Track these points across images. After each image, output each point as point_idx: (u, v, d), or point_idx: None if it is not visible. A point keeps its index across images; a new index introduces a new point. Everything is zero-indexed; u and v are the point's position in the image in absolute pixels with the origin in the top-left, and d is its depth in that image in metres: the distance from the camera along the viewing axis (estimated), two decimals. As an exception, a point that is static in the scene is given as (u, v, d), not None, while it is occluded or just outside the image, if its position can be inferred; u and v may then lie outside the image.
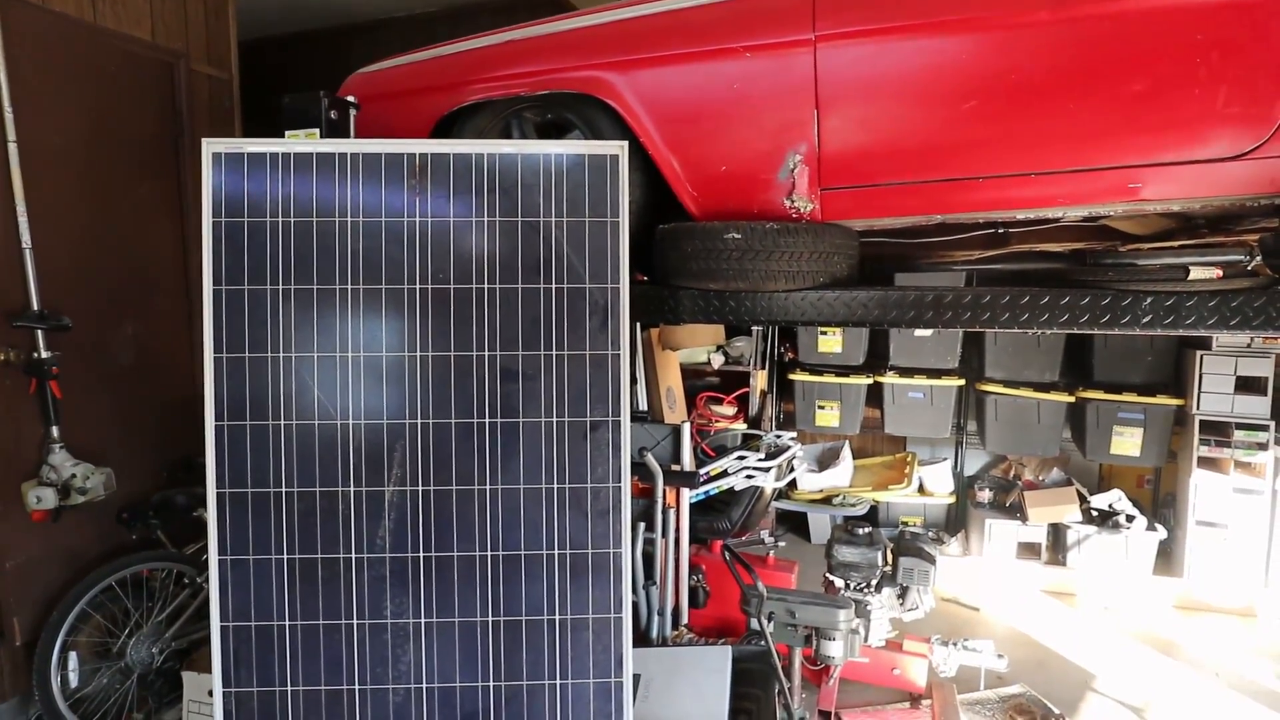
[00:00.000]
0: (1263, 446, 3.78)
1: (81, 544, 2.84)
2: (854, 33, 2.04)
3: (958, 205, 2.12)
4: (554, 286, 1.96)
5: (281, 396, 1.93)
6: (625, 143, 1.95)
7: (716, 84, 2.15)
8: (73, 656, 2.65)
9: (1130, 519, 4.05)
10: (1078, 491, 4.26)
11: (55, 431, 2.66)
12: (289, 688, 1.96)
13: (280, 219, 1.92)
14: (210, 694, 2.60)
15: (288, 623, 1.96)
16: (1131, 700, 3.08)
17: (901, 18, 2.01)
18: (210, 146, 1.93)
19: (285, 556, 1.95)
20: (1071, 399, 4.16)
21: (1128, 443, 4.05)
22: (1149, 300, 1.99)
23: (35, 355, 2.60)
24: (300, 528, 1.95)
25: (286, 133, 2.17)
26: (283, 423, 1.94)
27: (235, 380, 1.92)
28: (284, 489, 1.94)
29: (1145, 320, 1.99)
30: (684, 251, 2.19)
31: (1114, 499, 4.19)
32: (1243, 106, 1.89)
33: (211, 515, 1.93)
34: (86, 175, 2.86)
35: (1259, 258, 2.15)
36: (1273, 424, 3.79)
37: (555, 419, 1.97)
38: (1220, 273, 1.97)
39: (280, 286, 1.92)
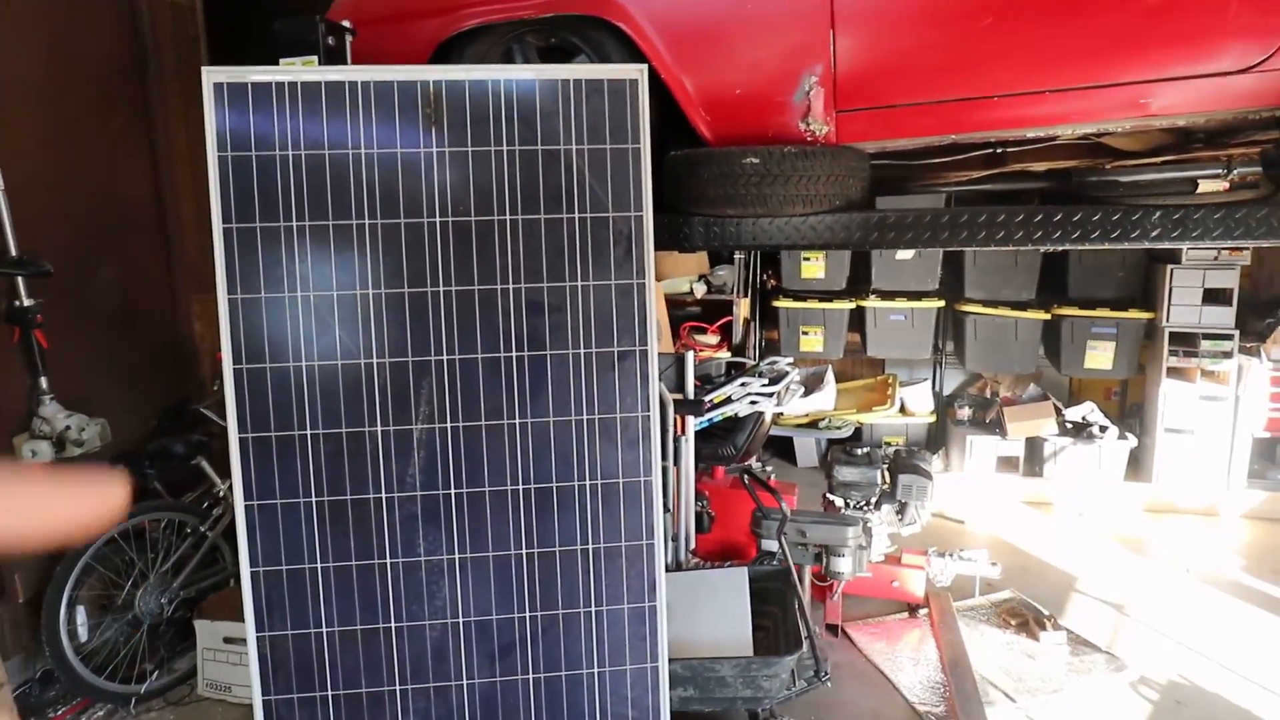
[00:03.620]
0: (1227, 355, 3.97)
1: (79, 498, 2.77)
2: (872, -54, 1.99)
3: (973, 124, 2.12)
4: (577, 216, 1.92)
5: (302, 337, 1.88)
6: (645, 66, 1.89)
7: (730, 3, 2.08)
8: (80, 611, 2.62)
9: (1103, 429, 4.25)
10: (1054, 405, 4.44)
11: (44, 382, 2.56)
12: (324, 629, 1.97)
13: (290, 152, 1.83)
14: (225, 640, 2.64)
15: (319, 565, 1.96)
16: (1111, 598, 3.29)
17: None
18: (210, 76, 1.81)
19: (314, 499, 1.94)
20: (1047, 316, 4.29)
21: (1101, 356, 4.21)
22: (1158, 214, 2.04)
23: (16, 303, 2.47)
24: (328, 469, 1.93)
25: (281, 60, 2.05)
26: (304, 364, 1.89)
27: (252, 322, 1.86)
28: (309, 431, 1.91)
29: (1154, 234, 2.05)
30: (699, 177, 2.16)
31: (1087, 411, 4.38)
32: (1253, 19, 1.91)
33: (235, 461, 1.90)
34: (53, 112, 2.68)
35: (1246, 169, 2.20)
36: (1237, 333, 3.97)
37: (583, 350, 1.96)
38: (1228, 185, 2.03)
39: (294, 223, 1.85)
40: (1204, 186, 2.00)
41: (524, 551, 2.01)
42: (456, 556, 2.00)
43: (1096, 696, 2.63)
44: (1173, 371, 4.11)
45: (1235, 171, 2.16)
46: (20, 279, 2.46)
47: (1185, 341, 4.06)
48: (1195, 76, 1.99)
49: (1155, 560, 3.64)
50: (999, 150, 2.78)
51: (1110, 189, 2.19)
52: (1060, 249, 2.20)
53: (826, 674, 2.40)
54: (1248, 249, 3.97)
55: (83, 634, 2.65)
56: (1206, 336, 4.01)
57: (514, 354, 1.94)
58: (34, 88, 2.60)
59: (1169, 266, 4.03)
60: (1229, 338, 3.97)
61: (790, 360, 3.49)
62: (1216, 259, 4.01)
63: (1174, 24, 1.96)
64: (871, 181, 2.91)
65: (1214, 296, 4.02)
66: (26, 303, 2.47)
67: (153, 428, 3.06)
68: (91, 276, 2.82)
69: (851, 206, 2.22)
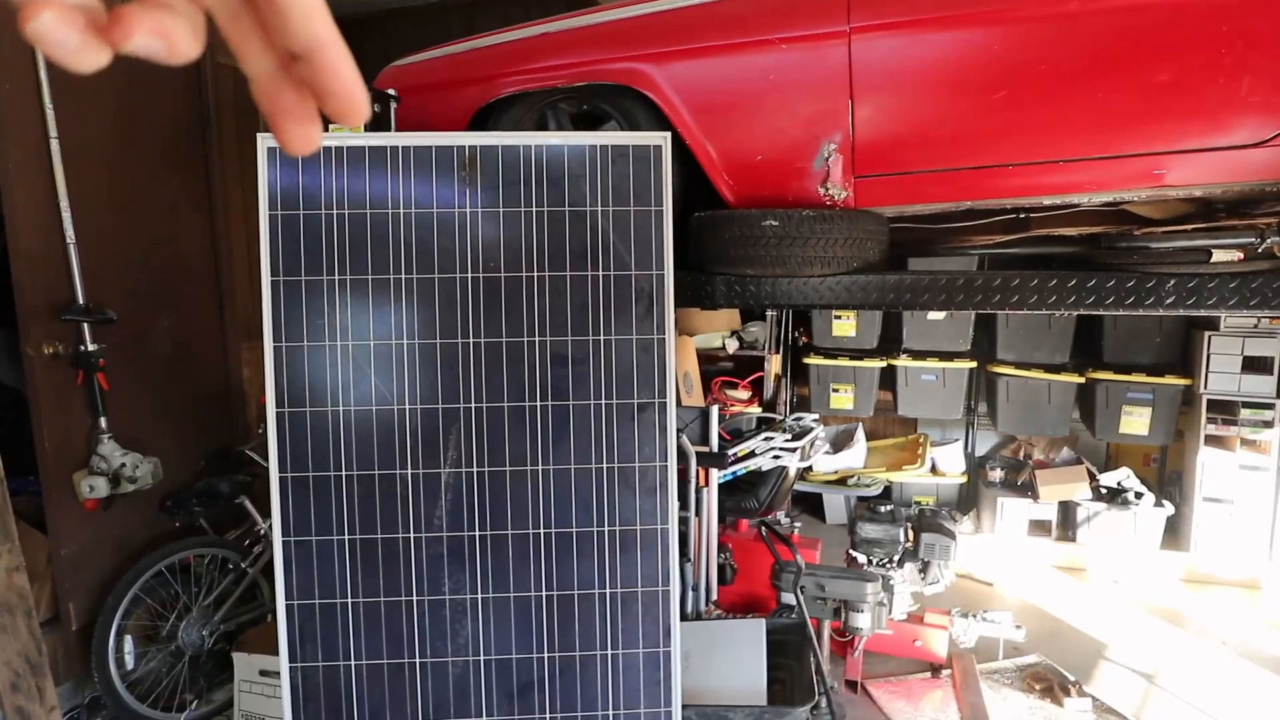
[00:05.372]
0: (1268, 424, 3.88)
1: (129, 531, 2.92)
2: (887, 24, 2.11)
3: (988, 191, 2.19)
4: (601, 274, 2.03)
5: (340, 383, 2.00)
6: (668, 134, 2.02)
7: (752, 75, 2.21)
8: (128, 640, 2.74)
9: (1139, 496, 4.15)
10: (1088, 470, 4.36)
11: (103, 422, 2.73)
12: (352, 661, 2.05)
13: (334, 211, 1.98)
14: (261, 673, 2.72)
15: (350, 600, 2.05)
16: (1142, 668, 3.19)
17: (933, 9, 2.07)
18: (265, 141, 1.98)
19: (346, 537, 2.03)
20: (1081, 380, 4.25)
21: (1136, 422, 4.15)
22: (1172, 282, 2.08)
23: (82, 348, 2.66)
24: (360, 509, 2.03)
25: (330, 126, 2.22)
26: (341, 409, 2.01)
27: (295, 368, 1.99)
28: (344, 472, 2.02)
29: (1169, 301, 2.08)
30: (721, 238, 2.26)
31: (1122, 477, 4.30)
32: (1265, 95, 1.96)
33: (275, 498, 2.01)
34: (121, 169, 2.92)
35: (1274, 239, 2.23)
36: (1278, 402, 3.88)
37: (604, 401, 2.04)
38: (1242, 255, 2.05)
39: (336, 277, 1.99)
40: (1218, 256, 2.03)
41: (543, 593, 2.07)
42: (479, 596, 2.06)
43: (1125, 770, 2.55)
44: (1211, 439, 4.02)
45: (1269, 241, 2.19)
46: (86, 325, 2.65)
47: (1224, 409, 3.98)
48: (1208, 149, 2.04)
49: (1191, 631, 3.52)
50: (1022, 215, 2.84)
51: (1125, 256, 2.23)
52: (1074, 314, 2.24)
53: (843, 732, 2.38)
54: (1286, 315, 3.92)
55: (129, 662, 2.76)
56: (1246, 405, 3.93)
57: (538, 403, 2.03)
58: (104, 149, 2.84)
59: (1207, 333, 3.98)
60: (1270, 407, 3.89)
61: (816, 417, 3.53)
62: (1256, 327, 3.95)
63: (1187, 98, 2.02)
64: (891, 244, 3.00)
65: (1254, 365, 3.94)
66: (90, 348, 2.66)
67: (201, 468, 3.21)
68: (150, 325, 3.02)
69: (869, 268, 2.29)
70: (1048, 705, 2.90)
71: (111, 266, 2.83)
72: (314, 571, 2.02)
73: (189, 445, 3.16)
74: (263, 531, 3.01)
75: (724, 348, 4.96)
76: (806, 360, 4.76)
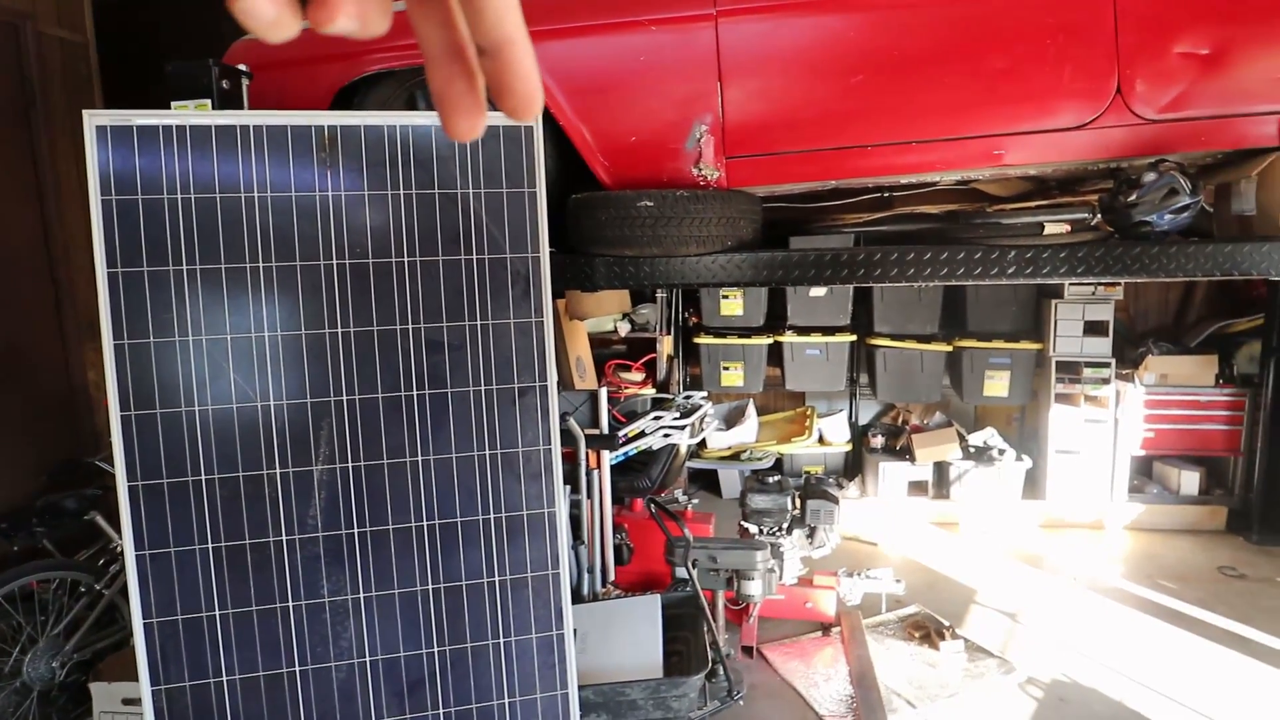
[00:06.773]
0: (1106, 381, 4.28)
1: (-42, 558, 2.63)
2: (751, 9, 2.15)
3: (849, 171, 2.29)
4: (475, 257, 1.98)
5: (194, 381, 1.87)
6: (539, 113, 1.98)
7: (624, 56, 2.21)
8: (-39, 678, 2.47)
9: (1001, 453, 4.49)
10: (958, 432, 4.67)
11: (-81, 437, 2.44)
12: (224, 678, 1.93)
13: (179, 196, 1.84)
14: (124, 702, 2.52)
15: (218, 612, 1.92)
16: (1007, 608, 3.48)
17: (794, -7, 2.13)
18: (92, 119, 1.81)
19: (210, 545, 1.91)
20: (949, 348, 4.53)
21: (998, 385, 4.47)
22: (1013, 253, 2.24)
23: (-112, 355, 2.37)
24: (224, 514, 1.90)
25: (173, 104, 2.05)
26: (197, 408, 1.88)
27: (141, 367, 1.84)
28: (203, 476, 1.89)
29: (1010, 271, 2.24)
30: (598, 220, 2.26)
31: (988, 436, 4.63)
32: (1084, 82, 2.15)
33: (125, 510, 1.86)
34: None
35: (1099, 214, 2.44)
36: (1113, 361, 4.29)
37: (483, 387, 2.00)
38: (1069, 228, 2.24)
39: (185, 267, 1.85)
40: (1049, 229, 2.20)
41: (430, 587, 2.01)
42: (361, 596, 1.99)
43: (988, 698, 2.79)
44: (1060, 397, 4.39)
45: (1099, 216, 2.40)
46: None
47: (1070, 370, 4.36)
48: (1038, 131, 2.21)
49: (1047, 571, 3.87)
50: (885, 194, 2.99)
51: (976, 230, 2.38)
52: (931, 285, 2.38)
53: (739, 693, 2.46)
54: (1120, 284, 4.31)
55: (-38, 704, 2.50)
56: (1088, 365, 4.31)
57: (415, 392, 1.97)
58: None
59: (1054, 301, 4.33)
60: (1107, 365, 4.28)
61: (705, 394, 3.60)
62: (1094, 294, 4.34)
63: (1019, 84, 2.18)
64: (773, 224, 3.08)
65: (1093, 328, 4.33)
66: (-98, 353, 2.37)
67: (43, 483, 2.93)
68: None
69: (744, 246, 2.34)
70: (926, 650, 3.10)
71: (-78, 264, 2.52)
72: (175, 585, 1.89)
73: (25, 459, 2.87)
74: (118, 549, 2.78)
75: (616, 331, 4.97)
76: (697, 340, 4.84)
